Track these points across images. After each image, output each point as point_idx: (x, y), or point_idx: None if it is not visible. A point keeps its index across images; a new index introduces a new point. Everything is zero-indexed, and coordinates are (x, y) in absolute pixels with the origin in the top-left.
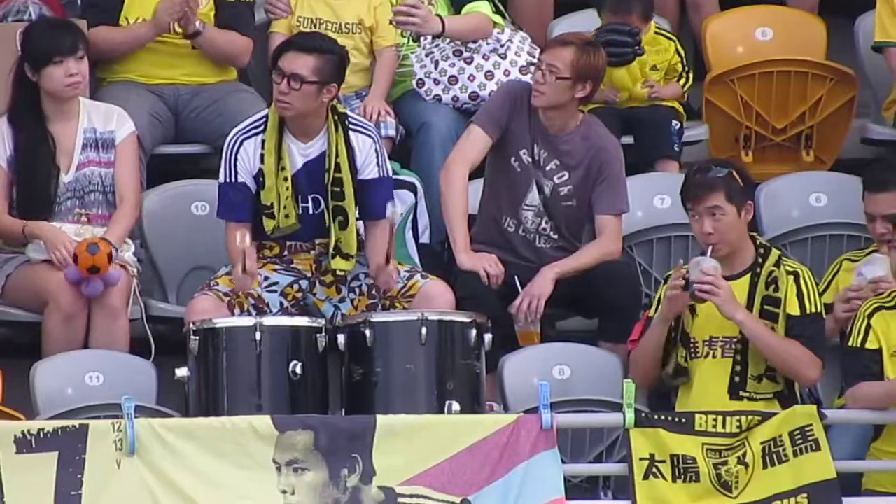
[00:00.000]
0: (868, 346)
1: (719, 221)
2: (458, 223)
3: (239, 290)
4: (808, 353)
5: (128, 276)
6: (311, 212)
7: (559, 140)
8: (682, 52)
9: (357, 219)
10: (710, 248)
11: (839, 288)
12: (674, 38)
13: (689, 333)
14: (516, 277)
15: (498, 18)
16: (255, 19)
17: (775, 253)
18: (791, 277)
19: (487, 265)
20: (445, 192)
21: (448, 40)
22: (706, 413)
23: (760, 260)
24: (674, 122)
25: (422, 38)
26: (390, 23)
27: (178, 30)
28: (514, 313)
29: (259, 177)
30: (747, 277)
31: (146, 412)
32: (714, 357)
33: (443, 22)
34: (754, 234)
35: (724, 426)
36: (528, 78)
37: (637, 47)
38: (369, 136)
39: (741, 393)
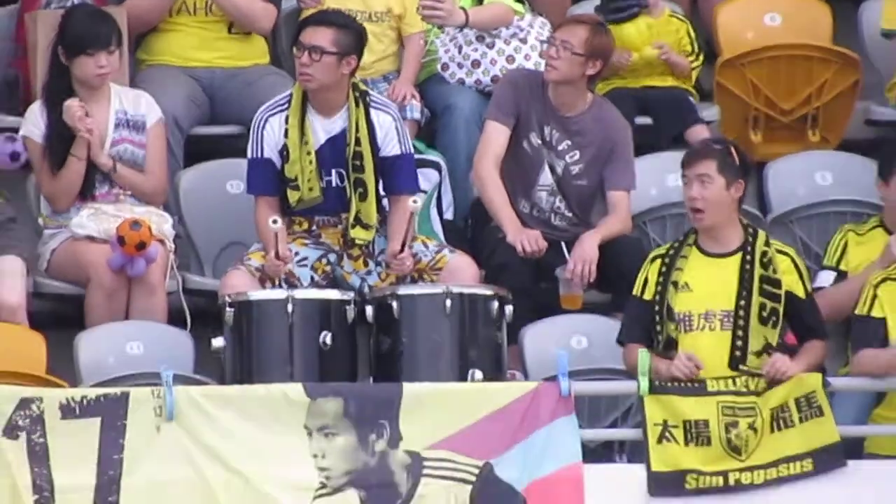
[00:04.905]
0: (874, 314)
1: (706, 189)
2: (503, 210)
3: (272, 274)
4: (823, 347)
5: (165, 251)
6: (334, 185)
7: (571, 122)
8: (692, 35)
9: (382, 196)
10: (694, 215)
11: (850, 254)
12: (686, 20)
13: (674, 308)
14: (563, 243)
15: (519, 7)
16: None
17: (762, 233)
18: (786, 259)
19: (527, 241)
20: (481, 190)
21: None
22: (716, 379)
23: (750, 239)
24: (690, 98)
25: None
26: (417, 11)
27: (215, 12)
28: (564, 277)
29: (283, 151)
30: (739, 256)
31: (184, 380)
32: (712, 330)
33: (466, 14)
34: (740, 216)
35: (734, 385)
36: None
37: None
38: (389, 114)
39: (741, 367)
